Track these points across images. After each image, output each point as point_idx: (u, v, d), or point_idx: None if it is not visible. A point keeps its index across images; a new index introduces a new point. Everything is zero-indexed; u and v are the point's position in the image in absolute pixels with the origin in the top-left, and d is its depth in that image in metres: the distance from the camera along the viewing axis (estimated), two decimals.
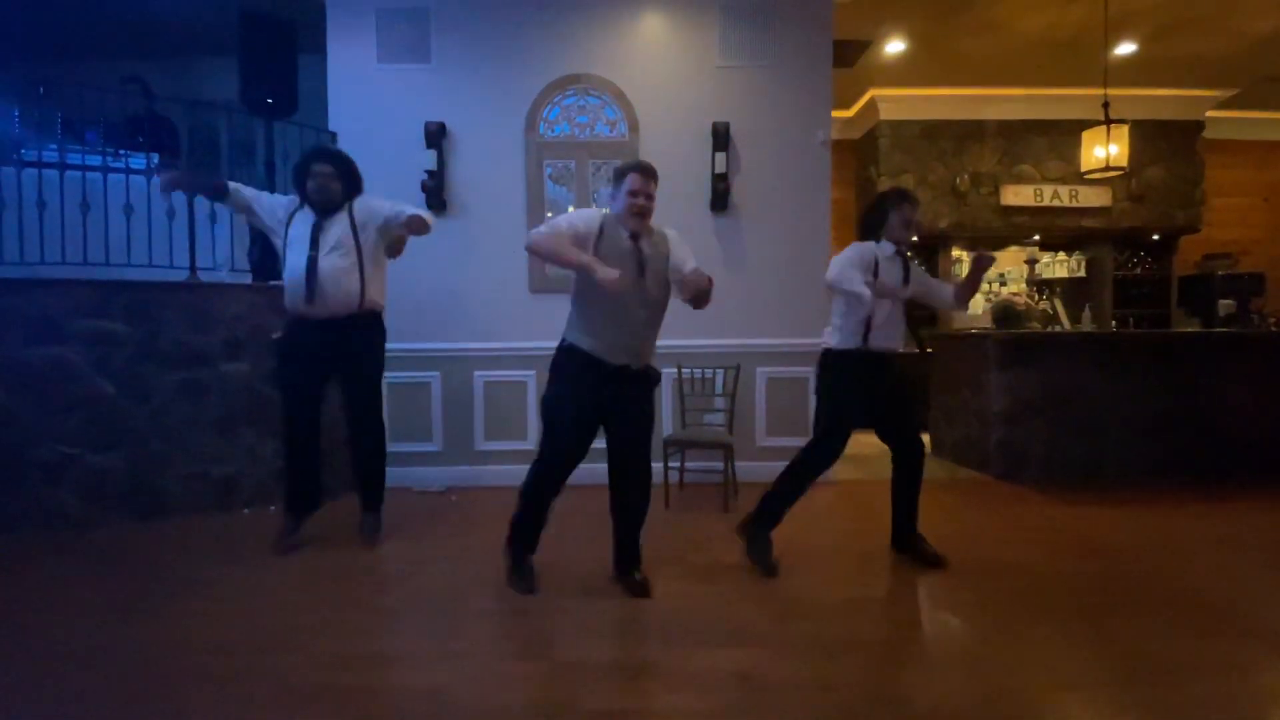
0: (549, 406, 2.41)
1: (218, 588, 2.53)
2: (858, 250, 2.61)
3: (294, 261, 2.79)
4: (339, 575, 2.68)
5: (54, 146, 3.50)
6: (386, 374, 4.06)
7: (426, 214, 2.85)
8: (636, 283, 2.30)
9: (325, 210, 2.82)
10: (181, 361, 3.46)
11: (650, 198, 2.35)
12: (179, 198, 3.52)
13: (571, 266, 2.25)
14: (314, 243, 2.77)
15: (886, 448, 2.80)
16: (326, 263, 2.76)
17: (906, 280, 2.68)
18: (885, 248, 2.65)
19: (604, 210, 2.40)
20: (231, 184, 2.93)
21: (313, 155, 2.92)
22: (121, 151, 3.64)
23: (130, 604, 2.38)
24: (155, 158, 3.80)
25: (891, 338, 2.68)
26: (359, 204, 2.89)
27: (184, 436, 3.46)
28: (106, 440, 3.32)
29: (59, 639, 2.12)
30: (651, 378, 2.46)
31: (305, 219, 2.83)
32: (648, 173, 2.35)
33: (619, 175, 2.37)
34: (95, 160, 3.52)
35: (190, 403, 3.48)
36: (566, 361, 2.39)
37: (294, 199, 2.90)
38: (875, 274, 2.58)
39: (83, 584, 2.58)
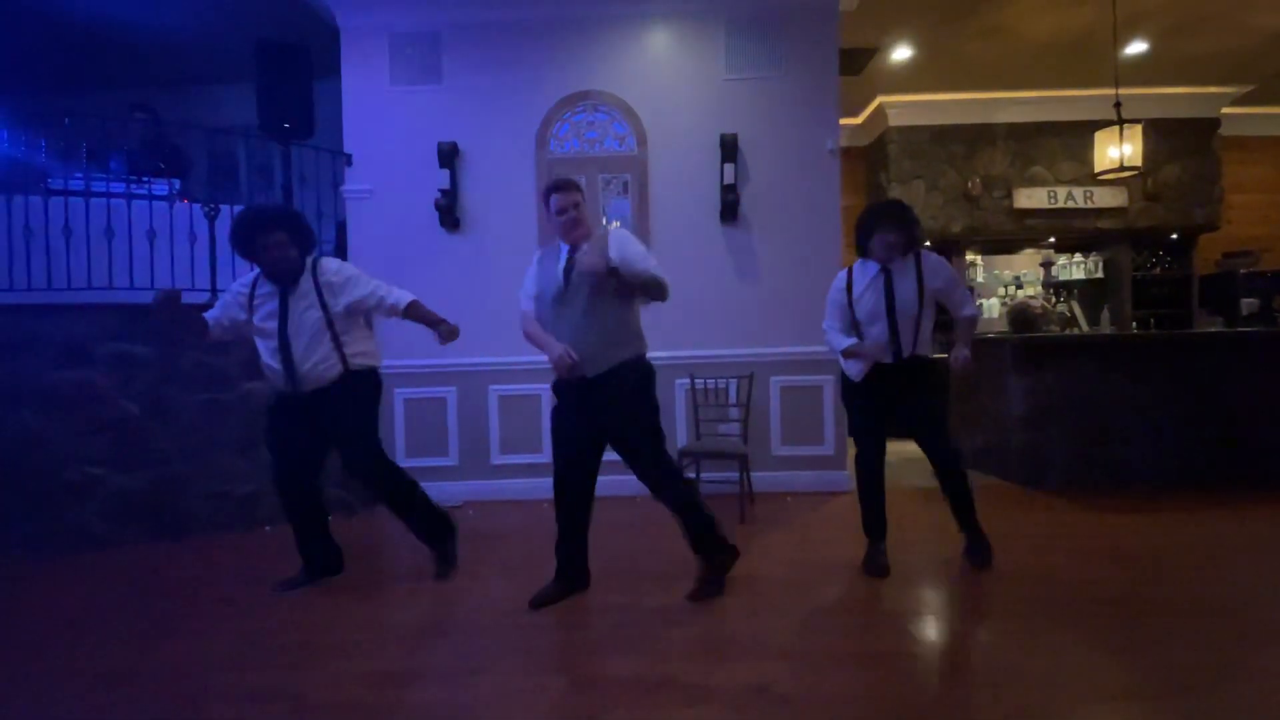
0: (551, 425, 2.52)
1: (239, 606, 2.56)
2: (832, 294, 2.75)
3: (268, 354, 2.56)
4: (358, 592, 2.69)
5: (79, 175, 3.61)
6: (403, 390, 4.16)
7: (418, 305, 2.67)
8: (561, 294, 2.36)
9: (286, 281, 2.55)
10: (203, 382, 3.53)
11: (577, 206, 2.40)
12: (201, 225, 3.61)
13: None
14: (283, 326, 2.51)
15: (904, 456, 2.80)
16: (301, 355, 2.52)
17: (893, 295, 2.63)
18: (869, 268, 2.69)
19: (537, 254, 2.53)
20: (209, 318, 2.59)
21: (257, 223, 2.53)
22: (144, 178, 3.74)
23: (154, 623, 2.42)
24: (177, 183, 3.91)
25: (891, 352, 2.65)
26: (323, 269, 2.60)
27: (206, 456, 3.53)
28: (131, 461, 3.39)
29: (84, 658, 2.15)
30: (620, 381, 2.35)
31: (269, 299, 2.55)
32: (565, 187, 2.41)
33: (544, 196, 2.45)
34: (119, 187, 3.63)
35: (212, 423, 3.54)
36: (554, 384, 2.49)
37: (251, 275, 2.62)
38: (849, 295, 2.68)
39: (107, 603, 2.63)
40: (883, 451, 2.76)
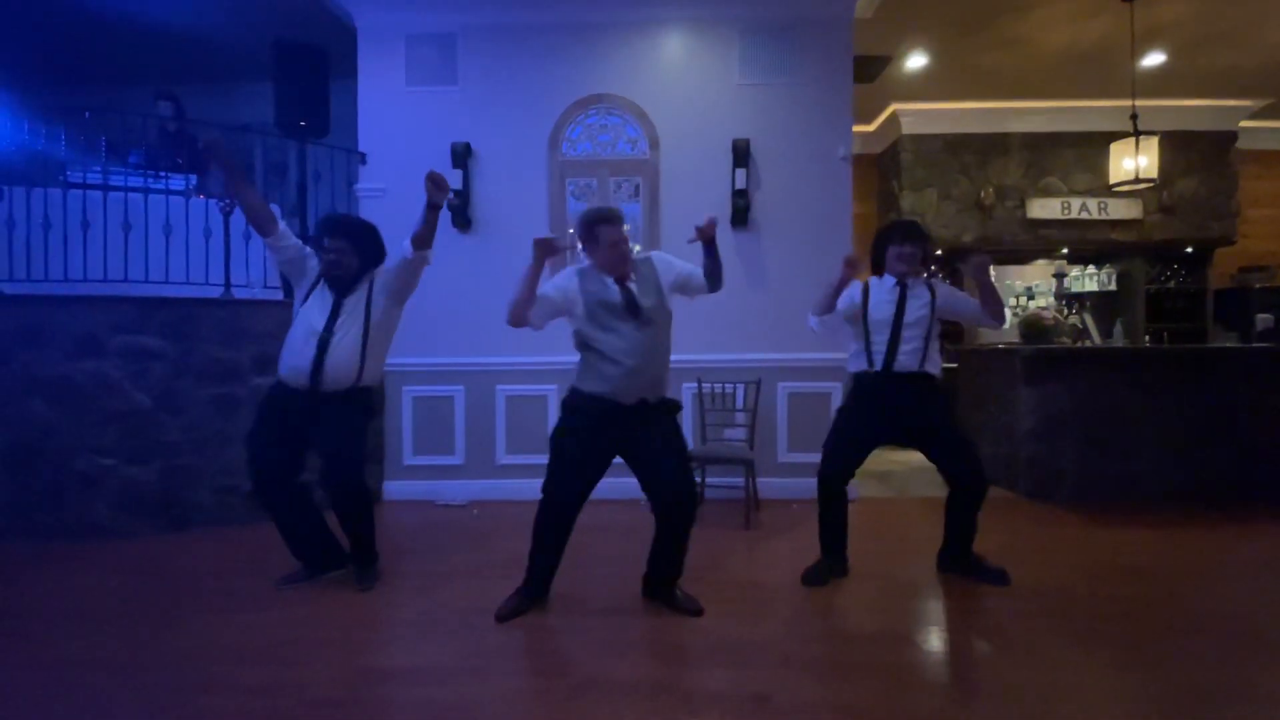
0: (555, 442, 2.40)
1: (244, 599, 2.57)
2: (841, 301, 2.76)
3: (301, 342, 2.56)
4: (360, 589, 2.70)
5: (98, 168, 3.65)
6: (411, 388, 4.19)
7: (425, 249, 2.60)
8: (628, 320, 2.31)
9: (342, 287, 2.61)
10: (214, 376, 3.56)
11: (626, 240, 2.39)
12: (217, 221, 3.64)
13: (530, 273, 2.26)
14: (330, 330, 2.55)
15: (912, 465, 2.78)
16: (332, 354, 2.55)
17: (904, 308, 2.66)
18: (886, 280, 2.73)
19: (576, 268, 2.41)
20: (284, 226, 2.65)
21: (326, 226, 2.63)
22: (162, 173, 3.78)
23: (159, 614, 2.44)
24: (194, 179, 3.94)
25: (900, 363, 2.65)
26: (379, 276, 2.67)
27: (215, 450, 3.55)
28: (142, 453, 3.42)
29: (90, 647, 2.17)
30: (673, 407, 2.45)
31: (324, 296, 2.61)
32: (616, 220, 2.38)
33: (589, 228, 2.35)
34: (137, 181, 3.67)
35: (222, 417, 3.57)
36: (578, 403, 2.37)
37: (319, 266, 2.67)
38: (865, 305, 2.71)
39: (114, 593, 2.65)
40: (851, 465, 2.76)
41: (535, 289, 2.29)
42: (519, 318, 2.31)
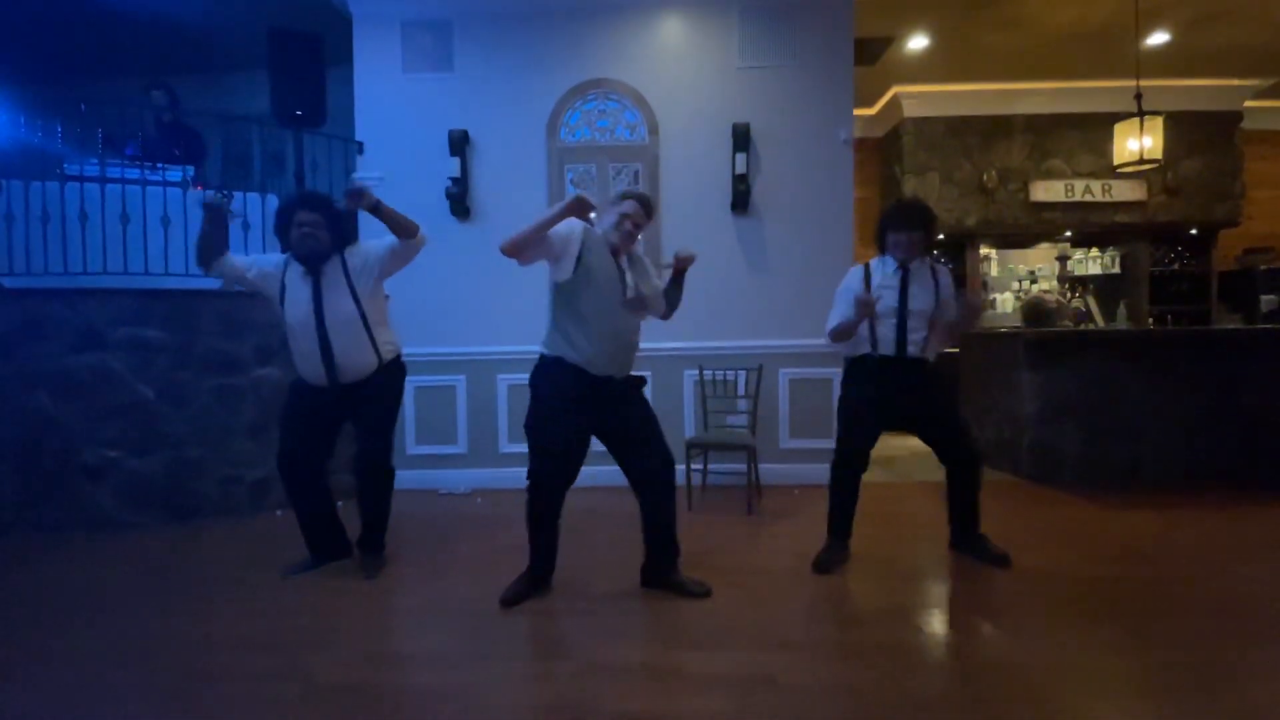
0: (533, 428, 2.35)
1: (249, 588, 2.59)
2: (845, 286, 2.74)
3: (306, 347, 2.56)
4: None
5: (95, 161, 3.63)
6: (413, 378, 4.15)
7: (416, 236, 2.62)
8: (619, 293, 2.35)
9: (314, 264, 2.55)
10: (216, 367, 3.56)
11: (639, 228, 2.42)
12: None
13: (553, 219, 2.25)
14: (320, 319, 2.53)
15: (915, 450, 2.78)
16: (339, 342, 2.55)
17: (907, 294, 2.62)
18: (888, 263, 2.70)
19: (584, 225, 2.39)
20: (232, 255, 2.62)
21: (294, 203, 2.59)
22: (159, 165, 3.76)
23: (165, 604, 2.46)
24: (190, 170, 3.92)
25: (907, 351, 2.63)
26: (350, 253, 2.62)
27: (219, 441, 3.56)
28: (145, 445, 3.43)
29: (96, 637, 2.19)
30: (640, 382, 2.49)
31: (301, 283, 2.56)
32: (647, 207, 2.44)
33: (621, 195, 2.46)
34: (134, 174, 3.65)
35: (225, 408, 3.57)
36: (549, 377, 2.36)
37: (283, 257, 2.61)
38: (868, 288, 2.67)
39: (120, 584, 2.67)
40: (869, 448, 2.74)
41: (546, 233, 2.28)
42: (517, 251, 2.28)
